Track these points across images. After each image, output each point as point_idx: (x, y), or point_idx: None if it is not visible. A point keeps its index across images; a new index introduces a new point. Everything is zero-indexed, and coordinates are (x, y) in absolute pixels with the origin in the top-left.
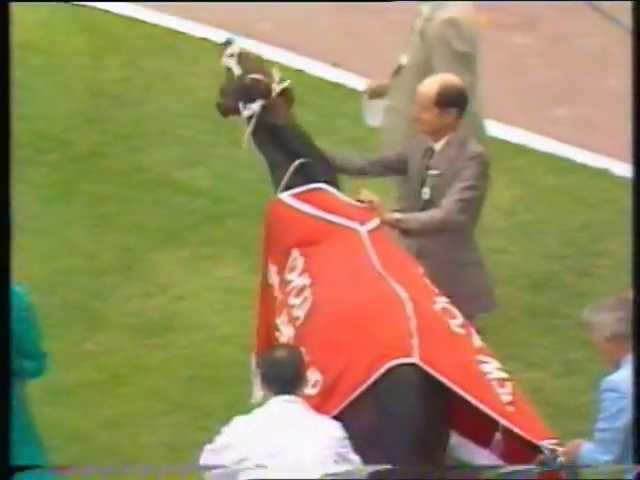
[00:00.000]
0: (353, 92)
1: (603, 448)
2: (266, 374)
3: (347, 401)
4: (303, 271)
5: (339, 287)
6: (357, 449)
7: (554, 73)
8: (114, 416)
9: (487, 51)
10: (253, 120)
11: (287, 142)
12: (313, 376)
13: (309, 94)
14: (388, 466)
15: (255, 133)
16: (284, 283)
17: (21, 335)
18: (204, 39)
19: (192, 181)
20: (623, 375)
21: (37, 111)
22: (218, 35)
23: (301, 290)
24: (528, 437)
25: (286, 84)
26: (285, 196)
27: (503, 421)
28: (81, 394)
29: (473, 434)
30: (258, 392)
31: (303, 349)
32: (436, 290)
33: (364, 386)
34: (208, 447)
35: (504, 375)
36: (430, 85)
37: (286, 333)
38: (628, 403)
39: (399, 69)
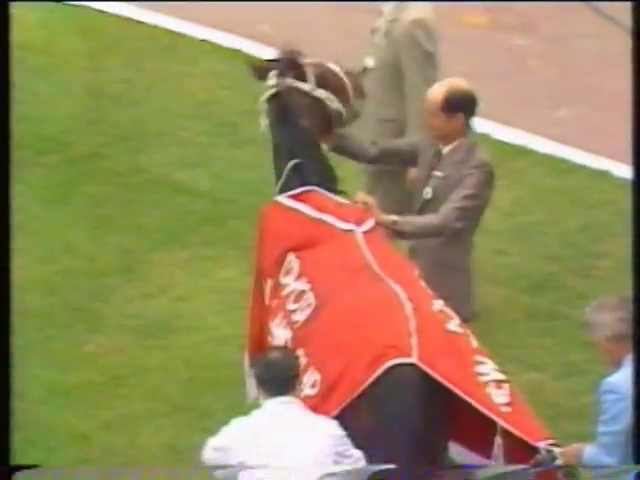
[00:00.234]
0: None
1: (605, 451)
2: (261, 376)
3: (347, 401)
4: (300, 275)
5: (337, 288)
6: (357, 449)
7: (554, 74)
8: (114, 417)
9: (487, 52)
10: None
11: (294, 132)
12: (312, 376)
13: None
14: (388, 466)
15: (277, 110)
16: (279, 287)
17: None
18: (204, 40)
19: (192, 182)
20: (622, 376)
21: (36, 112)
22: (217, 36)
23: (301, 295)
24: (526, 438)
25: (335, 103)
26: (282, 198)
27: (501, 422)
28: (81, 395)
29: (470, 440)
30: (253, 391)
31: (302, 350)
32: (431, 293)
33: (364, 386)
34: (210, 444)
35: (501, 376)
36: (437, 91)
37: (281, 336)
38: (628, 404)
39: (364, 71)
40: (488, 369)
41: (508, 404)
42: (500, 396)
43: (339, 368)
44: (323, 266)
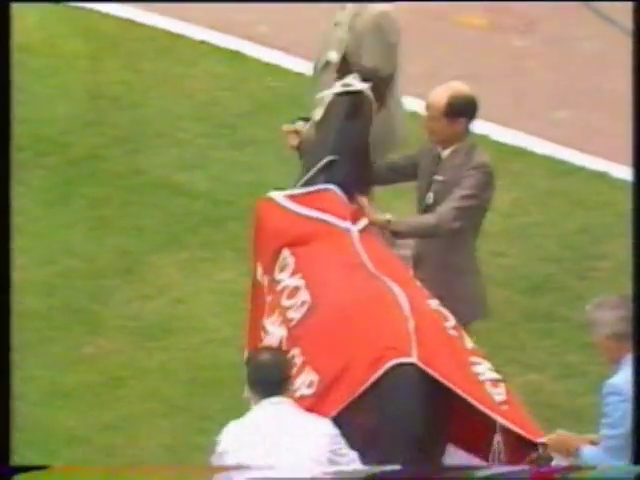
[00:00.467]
0: None
1: (610, 455)
2: (251, 377)
3: (347, 401)
4: (294, 272)
5: (333, 287)
6: (356, 449)
7: (553, 75)
8: (113, 419)
9: (486, 53)
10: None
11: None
12: (309, 376)
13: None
14: (387, 466)
15: (347, 105)
16: (273, 282)
17: None
18: (203, 42)
19: (191, 184)
20: (624, 377)
21: (36, 114)
22: (217, 37)
23: (295, 292)
24: (524, 434)
25: None
26: (276, 195)
27: (500, 419)
28: (80, 397)
29: (469, 442)
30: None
31: (297, 349)
32: (427, 292)
33: (364, 386)
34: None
35: (496, 376)
36: (439, 95)
37: (276, 334)
38: (631, 406)
39: (327, 65)
40: (483, 369)
41: (505, 402)
42: (497, 395)
43: (338, 369)
44: (318, 264)
